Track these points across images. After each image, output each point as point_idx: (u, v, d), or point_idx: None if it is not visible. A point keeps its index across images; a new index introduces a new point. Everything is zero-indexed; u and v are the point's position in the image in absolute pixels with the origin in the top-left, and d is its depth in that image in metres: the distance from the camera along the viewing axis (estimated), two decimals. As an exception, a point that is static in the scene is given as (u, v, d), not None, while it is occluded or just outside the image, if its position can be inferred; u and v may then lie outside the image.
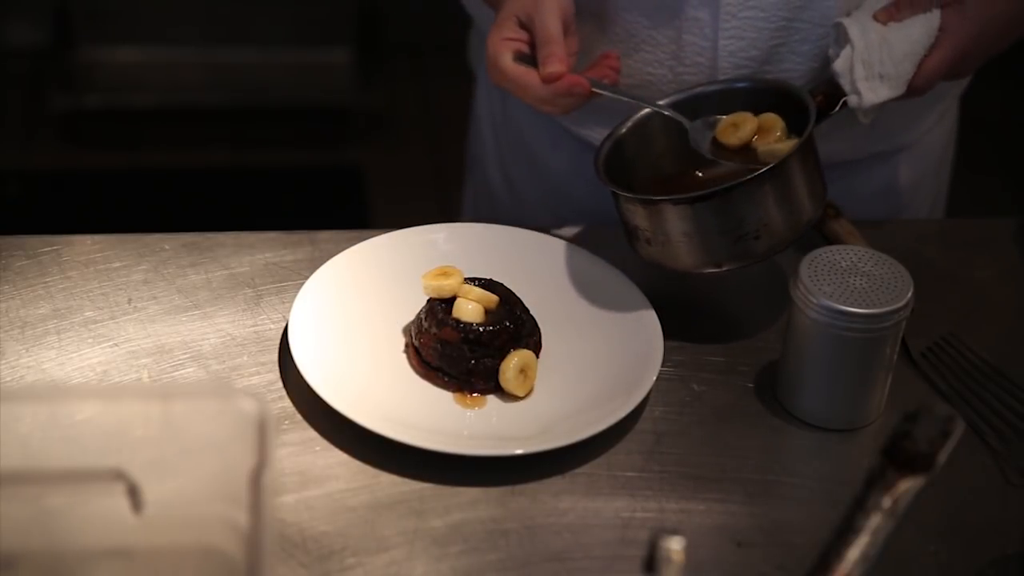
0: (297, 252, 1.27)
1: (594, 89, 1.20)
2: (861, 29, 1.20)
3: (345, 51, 3.02)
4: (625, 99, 1.22)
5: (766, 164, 1.13)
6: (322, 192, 2.89)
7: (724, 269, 1.16)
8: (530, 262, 1.24)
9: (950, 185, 1.56)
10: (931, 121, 1.41)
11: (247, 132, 2.99)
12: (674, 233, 1.15)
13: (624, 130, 1.24)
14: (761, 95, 1.23)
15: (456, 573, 1.01)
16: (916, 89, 1.21)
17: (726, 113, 1.23)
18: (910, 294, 1.09)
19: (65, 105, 2.91)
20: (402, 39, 3.13)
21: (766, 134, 1.20)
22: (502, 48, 1.21)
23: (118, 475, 0.87)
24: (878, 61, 1.19)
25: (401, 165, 2.95)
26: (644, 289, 1.20)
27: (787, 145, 1.17)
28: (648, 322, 1.18)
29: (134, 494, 0.88)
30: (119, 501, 0.88)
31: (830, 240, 1.27)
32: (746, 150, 1.20)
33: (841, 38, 1.22)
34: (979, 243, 1.36)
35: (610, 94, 1.21)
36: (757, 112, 1.21)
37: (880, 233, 1.31)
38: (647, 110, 1.24)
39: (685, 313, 1.22)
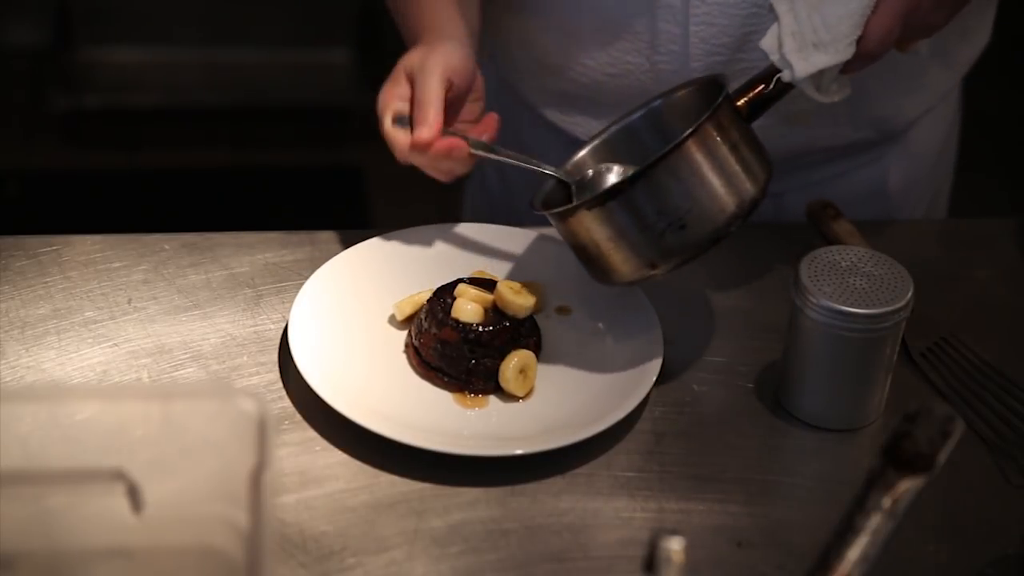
0: (297, 252, 1.27)
1: (473, 151, 1.17)
2: (789, 3, 1.13)
3: (345, 51, 3.02)
4: (508, 161, 1.18)
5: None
6: (322, 192, 2.89)
7: (661, 270, 1.11)
8: (529, 262, 1.24)
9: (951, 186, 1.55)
10: (917, 106, 1.37)
11: (247, 132, 2.98)
12: (602, 241, 1.12)
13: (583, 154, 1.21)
14: (691, 97, 1.19)
15: (456, 573, 1.01)
16: (868, 52, 1.12)
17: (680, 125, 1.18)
18: (910, 294, 1.09)
19: (65, 105, 2.91)
20: (402, 39, 3.13)
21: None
22: (388, 101, 1.18)
23: (118, 475, 0.87)
24: (810, 31, 1.12)
25: (401, 165, 2.94)
26: (644, 289, 1.20)
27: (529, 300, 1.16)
28: (648, 322, 1.18)
29: (134, 494, 0.88)
30: (119, 501, 0.88)
31: (830, 240, 1.27)
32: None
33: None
34: (979, 243, 1.36)
35: (491, 155, 1.18)
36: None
37: (880, 233, 1.31)
38: (604, 136, 1.21)
39: (685, 313, 1.22)
